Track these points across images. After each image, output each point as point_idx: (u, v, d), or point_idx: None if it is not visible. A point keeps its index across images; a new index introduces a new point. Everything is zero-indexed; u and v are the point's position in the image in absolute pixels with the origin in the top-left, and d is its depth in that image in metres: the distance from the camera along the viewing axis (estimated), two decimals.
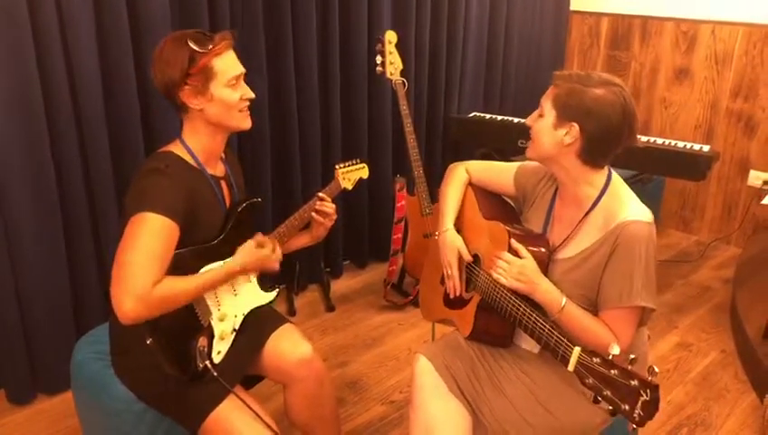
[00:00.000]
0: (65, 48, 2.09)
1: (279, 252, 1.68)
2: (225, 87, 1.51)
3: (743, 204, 3.65)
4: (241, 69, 1.55)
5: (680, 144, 3.01)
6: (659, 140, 3.06)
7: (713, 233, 3.80)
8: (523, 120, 3.21)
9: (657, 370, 1.13)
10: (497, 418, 1.50)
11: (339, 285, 3.20)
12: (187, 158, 1.55)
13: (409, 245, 2.92)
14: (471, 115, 3.51)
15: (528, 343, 1.57)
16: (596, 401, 1.19)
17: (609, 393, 1.16)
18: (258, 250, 1.62)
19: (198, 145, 1.56)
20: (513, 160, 3.28)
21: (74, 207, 2.23)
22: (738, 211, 3.68)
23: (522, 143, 3.24)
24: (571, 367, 1.25)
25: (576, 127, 1.38)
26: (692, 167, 2.93)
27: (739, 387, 2.49)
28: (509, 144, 3.29)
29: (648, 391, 1.11)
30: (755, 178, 3.56)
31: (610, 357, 1.18)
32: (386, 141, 3.19)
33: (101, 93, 2.19)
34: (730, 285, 3.24)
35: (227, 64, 1.51)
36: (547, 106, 1.43)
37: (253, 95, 1.57)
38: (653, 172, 3.21)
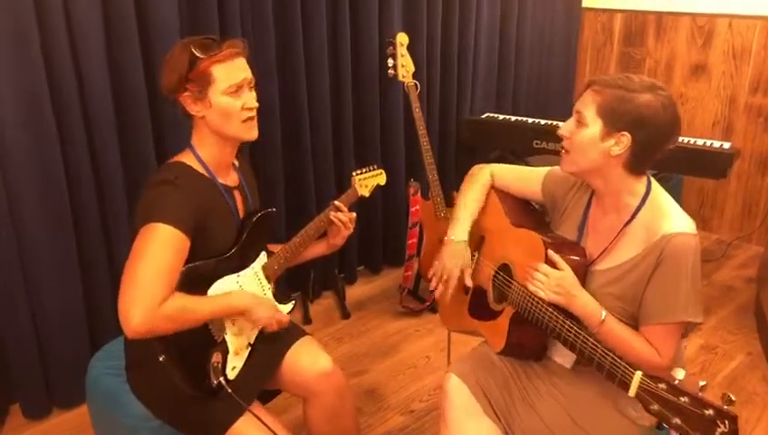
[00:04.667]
0: (74, 57, 2.07)
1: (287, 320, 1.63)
2: (224, 95, 1.46)
3: (764, 201, 3.57)
4: (244, 76, 1.49)
5: (700, 142, 2.94)
6: (676, 141, 2.99)
7: (733, 231, 3.73)
8: (537, 120, 3.22)
9: (733, 398, 1.06)
10: None
11: (353, 291, 3.16)
12: (198, 167, 1.51)
13: (425, 249, 2.87)
14: (484, 116, 3.46)
15: (561, 357, 1.51)
16: (660, 428, 1.13)
17: (679, 422, 1.09)
18: (275, 311, 1.58)
19: (208, 154, 1.52)
20: (528, 161, 3.26)
21: (86, 220, 2.20)
22: (759, 209, 3.60)
23: (537, 144, 3.18)
24: (632, 392, 1.18)
25: (628, 136, 1.30)
26: (713, 165, 2.86)
27: None
28: (524, 145, 3.23)
29: (727, 421, 1.04)
30: None
31: (676, 382, 1.11)
32: (398, 145, 3.15)
33: (112, 102, 2.16)
34: (753, 285, 3.17)
35: (228, 72, 1.46)
36: (589, 114, 1.33)
37: (255, 104, 1.52)
38: (672, 171, 3.13)
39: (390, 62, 2.75)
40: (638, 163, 1.35)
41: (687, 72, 3.70)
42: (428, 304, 2.95)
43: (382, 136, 3.10)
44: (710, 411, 1.05)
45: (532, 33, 3.76)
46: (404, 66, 2.75)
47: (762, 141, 3.50)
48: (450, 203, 2.92)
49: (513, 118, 3.36)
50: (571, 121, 1.39)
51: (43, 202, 2.08)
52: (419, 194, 2.84)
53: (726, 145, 2.90)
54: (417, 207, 2.84)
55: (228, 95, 1.46)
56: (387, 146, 3.13)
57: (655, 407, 1.13)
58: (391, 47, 2.74)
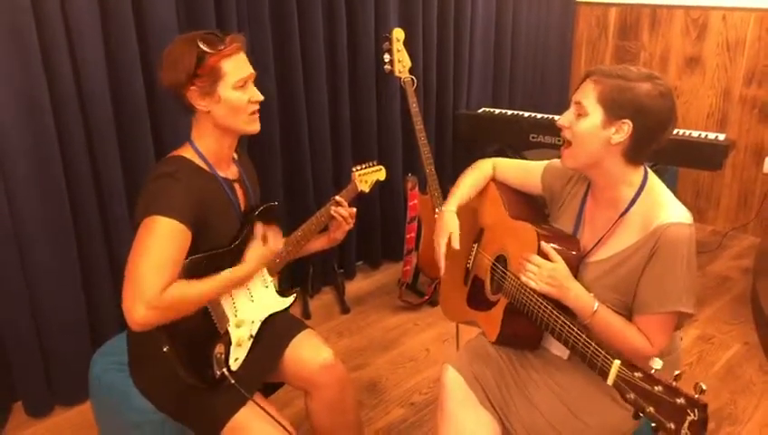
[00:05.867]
0: (72, 55, 2.07)
1: (280, 242, 1.64)
2: (233, 89, 1.48)
3: (759, 192, 3.60)
4: (250, 71, 1.52)
5: (695, 133, 2.97)
6: (673, 130, 3.01)
7: (729, 222, 3.75)
8: (534, 114, 3.24)
9: (704, 387, 1.07)
10: (526, 427, 1.46)
11: (352, 287, 3.17)
12: (198, 161, 1.52)
13: (423, 244, 2.89)
14: (480, 111, 3.47)
15: (557, 349, 1.52)
16: (637, 417, 1.14)
17: (652, 410, 1.10)
18: (262, 246, 1.60)
19: (208, 148, 1.54)
20: (525, 155, 3.27)
21: (86, 217, 2.21)
22: (754, 199, 3.63)
23: (533, 137, 3.20)
24: (610, 381, 1.19)
25: (629, 124, 1.32)
26: (708, 156, 2.89)
27: (764, 379, 2.44)
28: (520, 138, 3.25)
29: (696, 410, 1.04)
30: None
31: (653, 371, 1.12)
32: (396, 140, 3.16)
33: (110, 99, 2.17)
34: (749, 275, 3.19)
35: (236, 66, 1.49)
36: (589, 104, 1.35)
37: (261, 97, 1.55)
38: (668, 163, 3.15)
39: (387, 57, 2.76)
40: (636, 152, 1.37)
41: (682, 64, 3.72)
42: (427, 297, 2.97)
43: (379, 131, 3.11)
44: (681, 400, 1.06)
45: (528, 28, 3.78)
46: (400, 61, 2.77)
47: (756, 132, 3.53)
48: (448, 197, 2.94)
49: (510, 112, 3.37)
50: (570, 112, 1.40)
51: (43, 200, 2.08)
52: (417, 188, 2.85)
53: (721, 137, 2.92)
54: (416, 201, 2.85)
55: (237, 89, 1.48)
56: (384, 141, 3.14)
57: (631, 395, 1.14)
58: (387, 43, 2.75)
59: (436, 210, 1.71)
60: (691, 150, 2.90)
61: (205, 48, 1.44)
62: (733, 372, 2.50)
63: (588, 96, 1.35)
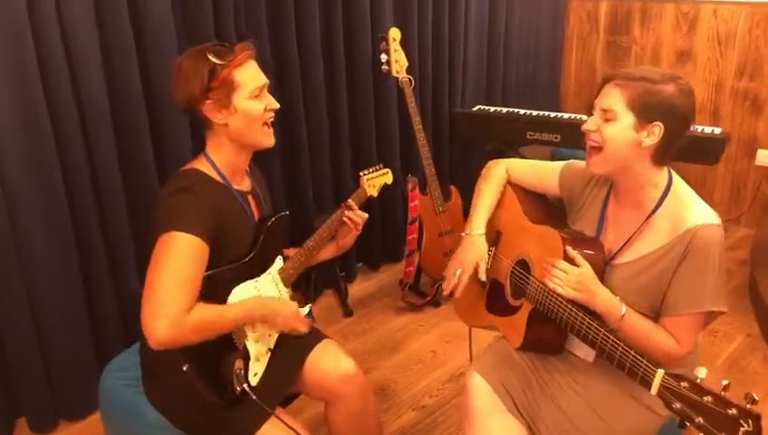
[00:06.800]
0: (69, 62, 2.02)
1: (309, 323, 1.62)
2: (249, 99, 1.46)
3: (751, 184, 3.63)
4: (264, 79, 1.50)
5: (690, 128, 2.98)
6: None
7: (722, 214, 3.72)
8: (529, 112, 3.23)
9: (756, 397, 1.06)
10: (551, 430, 1.45)
11: (353, 289, 3.14)
12: (213, 174, 1.50)
13: (425, 244, 2.87)
14: (475, 109, 3.45)
15: (582, 352, 1.52)
16: (683, 426, 1.13)
17: (701, 421, 1.09)
18: (296, 308, 1.58)
19: (224, 161, 1.51)
20: (522, 152, 3.27)
21: (86, 227, 2.16)
22: (747, 191, 3.66)
23: (530, 135, 3.19)
24: (653, 391, 1.18)
25: (660, 126, 1.32)
26: (705, 150, 2.91)
27: None
28: (517, 136, 3.24)
29: (750, 420, 1.03)
30: (763, 157, 3.54)
31: (698, 381, 1.11)
32: (394, 141, 3.13)
33: (108, 106, 2.12)
34: (746, 267, 3.22)
35: (249, 75, 1.47)
36: (618, 107, 1.34)
37: (277, 105, 1.53)
38: None
39: (384, 57, 2.74)
40: (664, 153, 1.37)
41: (673, 58, 3.74)
42: (430, 298, 2.96)
43: (378, 132, 3.09)
44: (733, 411, 1.05)
45: (520, 24, 3.77)
46: (397, 61, 2.74)
47: (749, 125, 3.56)
48: (447, 197, 2.93)
49: (505, 110, 3.36)
50: (596, 118, 1.39)
51: (42, 210, 2.03)
52: (417, 189, 2.83)
53: (717, 130, 2.94)
54: (416, 202, 2.83)
55: (252, 99, 1.46)
56: (383, 142, 3.11)
57: (677, 405, 1.13)
58: (384, 43, 2.73)
59: (462, 234, 1.68)
60: (688, 145, 2.88)
61: (215, 60, 1.42)
62: (737, 364, 2.52)
63: (615, 100, 1.35)
